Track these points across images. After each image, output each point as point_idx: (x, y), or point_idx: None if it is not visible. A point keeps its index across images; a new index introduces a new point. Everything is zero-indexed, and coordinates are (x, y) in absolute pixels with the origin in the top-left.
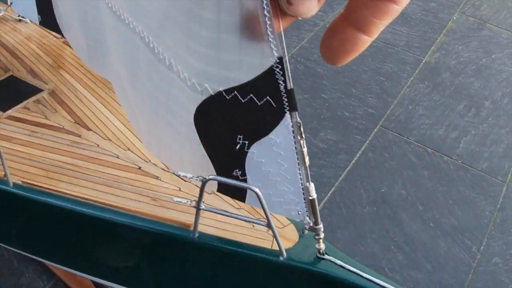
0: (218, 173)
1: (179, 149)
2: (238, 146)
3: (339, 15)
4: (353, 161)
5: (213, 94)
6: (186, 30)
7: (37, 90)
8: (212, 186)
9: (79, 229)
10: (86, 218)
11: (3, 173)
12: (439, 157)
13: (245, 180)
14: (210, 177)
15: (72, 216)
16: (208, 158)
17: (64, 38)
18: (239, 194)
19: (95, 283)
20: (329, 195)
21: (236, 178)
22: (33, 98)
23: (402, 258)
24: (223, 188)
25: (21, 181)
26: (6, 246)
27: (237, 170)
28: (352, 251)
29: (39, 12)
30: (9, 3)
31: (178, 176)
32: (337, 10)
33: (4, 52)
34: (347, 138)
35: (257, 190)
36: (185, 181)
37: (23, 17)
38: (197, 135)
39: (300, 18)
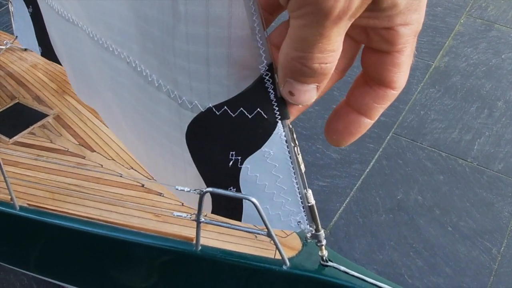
0: (213, 195)
1: (173, 170)
2: (231, 163)
3: (342, 101)
4: (367, 170)
5: (203, 110)
6: (172, 48)
7: (43, 116)
8: (206, 208)
9: (85, 248)
10: (91, 237)
11: (10, 197)
12: (453, 161)
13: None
14: (208, 189)
15: (78, 235)
16: (201, 178)
17: None
18: (234, 213)
19: None
20: (344, 205)
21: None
22: (39, 123)
23: (422, 264)
24: (217, 209)
25: (27, 204)
26: (17, 269)
27: (232, 187)
28: (371, 260)
29: (39, 44)
30: (15, 36)
31: (177, 189)
32: None
33: (11, 81)
34: (360, 147)
35: (254, 200)
36: None
37: None
38: (189, 154)
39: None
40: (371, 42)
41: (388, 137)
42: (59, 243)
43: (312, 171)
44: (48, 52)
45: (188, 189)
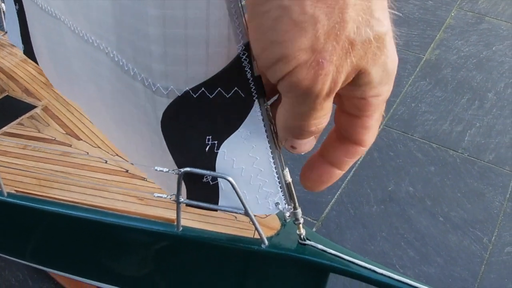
0: (188, 183)
1: (153, 159)
2: (207, 148)
3: (315, 153)
4: (359, 162)
5: (179, 95)
6: (146, 34)
7: (31, 107)
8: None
9: (70, 232)
10: (76, 221)
11: None
12: (444, 152)
13: (216, 185)
14: (186, 169)
15: (63, 220)
16: (176, 167)
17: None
18: (211, 198)
19: None
20: (336, 197)
21: (207, 184)
22: (27, 114)
23: (413, 254)
24: (193, 196)
25: (15, 190)
26: (6, 256)
27: (207, 176)
28: (362, 251)
29: (23, 42)
30: (5, 31)
31: (156, 170)
32: None
33: (1, 75)
34: None
35: (230, 178)
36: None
37: None
38: (165, 143)
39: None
40: (343, 106)
41: (379, 130)
42: (45, 228)
43: (303, 164)
44: (28, 50)
45: (167, 170)
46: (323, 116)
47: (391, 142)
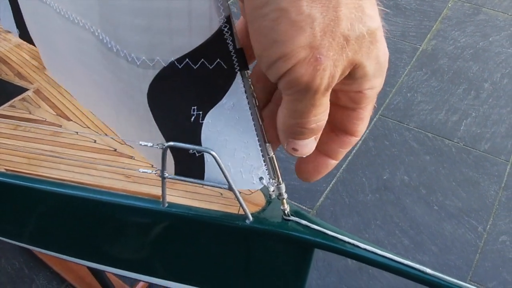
0: (175, 154)
1: (141, 134)
2: (192, 118)
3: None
4: (354, 151)
5: (165, 65)
6: (129, 9)
7: (23, 90)
8: (169, 170)
9: (57, 210)
10: (64, 198)
11: None
12: (440, 141)
13: (202, 157)
14: (170, 143)
15: (50, 197)
16: (163, 140)
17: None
18: (197, 173)
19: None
20: (331, 185)
21: (193, 155)
22: (19, 97)
23: (408, 242)
24: (180, 170)
25: (5, 169)
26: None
27: (191, 150)
28: None
29: (17, 26)
30: None
31: (140, 145)
32: None
33: None
34: None
35: (213, 152)
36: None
37: None
38: (151, 115)
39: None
40: (339, 101)
41: (375, 119)
42: (33, 207)
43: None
44: (24, 33)
45: (151, 144)
46: (322, 112)
47: (386, 132)
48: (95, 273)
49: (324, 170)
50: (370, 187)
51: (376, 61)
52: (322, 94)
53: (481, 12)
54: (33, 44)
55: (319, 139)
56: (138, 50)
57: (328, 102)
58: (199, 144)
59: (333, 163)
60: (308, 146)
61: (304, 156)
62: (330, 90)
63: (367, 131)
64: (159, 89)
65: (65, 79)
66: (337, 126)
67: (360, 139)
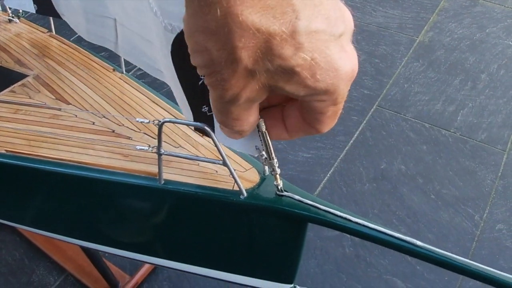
0: (193, 110)
1: (175, 90)
2: (200, 82)
3: (277, 110)
4: (351, 141)
5: (179, 32)
6: None
7: (23, 76)
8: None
9: (56, 191)
10: (63, 178)
11: None
12: (437, 131)
13: (211, 116)
14: (165, 119)
15: (51, 177)
16: (185, 97)
17: (51, 30)
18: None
19: (89, 256)
20: (328, 175)
21: (204, 114)
22: (19, 83)
23: (405, 230)
24: (198, 119)
25: (5, 150)
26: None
27: (205, 106)
28: None
29: (35, 2)
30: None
31: (137, 121)
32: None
33: None
34: (344, 119)
35: (205, 127)
36: (154, 138)
37: (12, 18)
38: (175, 74)
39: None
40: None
41: (372, 110)
42: (34, 188)
43: (297, 143)
44: (44, 7)
45: (147, 121)
46: (236, 121)
47: (383, 122)
48: (94, 261)
49: (273, 136)
50: (368, 177)
51: (303, 86)
52: (235, 106)
53: (478, 4)
54: (56, 16)
55: (287, 114)
56: (163, 14)
57: (248, 117)
58: (208, 104)
59: (285, 137)
60: (231, 135)
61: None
62: (242, 104)
63: (364, 121)
64: (176, 52)
65: (102, 41)
66: (304, 117)
67: (357, 130)
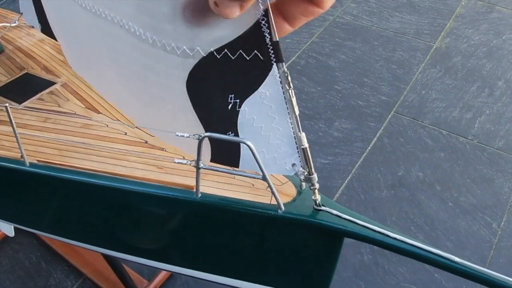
0: (212, 142)
1: (175, 123)
2: (230, 106)
3: (271, 3)
4: (369, 148)
5: (204, 55)
6: (170, 4)
7: (50, 83)
8: (206, 156)
9: (91, 200)
10: (97, 189)
11: (20, 155)
12: (454, 138)
13: (238, 145)
14: (206, 134)
15: (84, 188)
16: (200, 125)
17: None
18: (232, 159)
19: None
20: (346, 181)
21: (229, 142)
22: (47, 90)
23: (423, 238)
24: (216, 156)
25: (37, 160)
26: (26, 229)
27: (230, 132)
28: None
29: (39, 21)
30: (21, 13)
31: (177, 135)
32: (345, 4)
33: (20, 54)
34: (362, 126)
35: (249, 143)
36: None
37: None
38: (189, 102)
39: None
40: None
41: (389, 116)
42: (66, 197)
43: (315, 149)
44: (46, 28)
45: (188, 135)
46: None
47: (401, 129)
48: (114, 266)
49: (278, 35)
50: (386, 184)
51: None
52: None
53: (494, 10)
54: (55, 39)
55: (282, 2)
56: (178, 40)
57: None
58: (236, 129)
59: (288, 29)
60: (227, 9)
61: (226, 17)
62: None
63: (382, 128)
64: (198, 77)
65: (88, 74)
66: None
67: (375, 136)
